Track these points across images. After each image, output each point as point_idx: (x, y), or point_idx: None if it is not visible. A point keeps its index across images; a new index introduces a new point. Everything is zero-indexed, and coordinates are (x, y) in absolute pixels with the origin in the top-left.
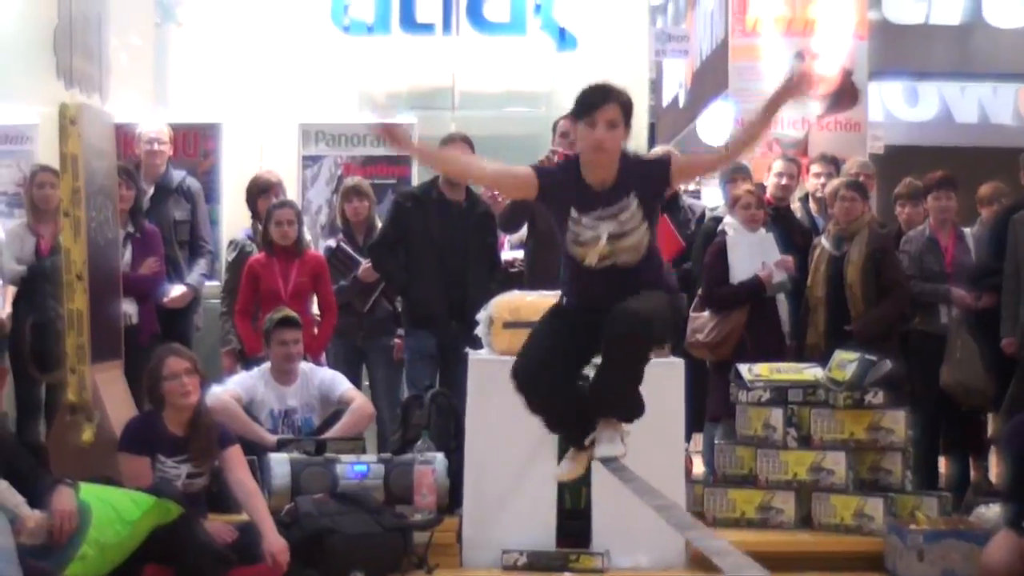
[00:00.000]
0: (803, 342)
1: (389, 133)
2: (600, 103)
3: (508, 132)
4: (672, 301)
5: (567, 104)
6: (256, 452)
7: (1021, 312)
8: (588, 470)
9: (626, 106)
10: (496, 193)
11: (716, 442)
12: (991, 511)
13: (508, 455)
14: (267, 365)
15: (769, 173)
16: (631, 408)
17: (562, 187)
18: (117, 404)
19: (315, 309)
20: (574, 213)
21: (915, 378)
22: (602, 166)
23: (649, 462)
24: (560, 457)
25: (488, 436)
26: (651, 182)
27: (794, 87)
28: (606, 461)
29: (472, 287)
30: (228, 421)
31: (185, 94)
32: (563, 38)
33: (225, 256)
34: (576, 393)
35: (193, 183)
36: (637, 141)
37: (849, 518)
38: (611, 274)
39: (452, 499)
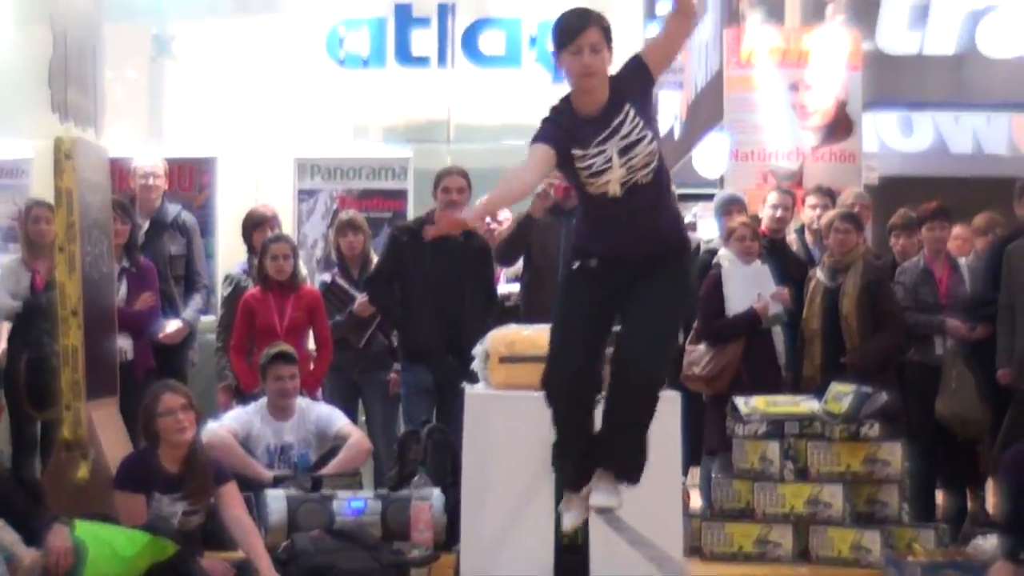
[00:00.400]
0: (799, 374)
1: (452, 224)
2: (581, 29)
3: (504, 165)
4: (688, 277)
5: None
6: (252, 488)
7: (1016, 343)
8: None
9: (606, 29)
10: (492, 227)
11: (713, 475)
12: (988, 543)
13: (505, 490)
14: (263, 400)
15: (764, 205)
16: (633, 462)
17: (565, 136)
18: (112, 441)
19: (311, 344)
20: (577, 151)
21: (911, 409)
22: (593, 91)
23: (646, 496)
24: (557, 495)
25: (485, 471)
26: (635, 83)
27: None
28: (601, 511)
29: (468, 321)
30: (224, 457)
31: (180, 128)
32: (558, 70)
33: (221, 291)
34: (593, 404)
35: (188, 217)
36: None
37: (847, 551)
38: (634, 200)
39: (449, 535)
